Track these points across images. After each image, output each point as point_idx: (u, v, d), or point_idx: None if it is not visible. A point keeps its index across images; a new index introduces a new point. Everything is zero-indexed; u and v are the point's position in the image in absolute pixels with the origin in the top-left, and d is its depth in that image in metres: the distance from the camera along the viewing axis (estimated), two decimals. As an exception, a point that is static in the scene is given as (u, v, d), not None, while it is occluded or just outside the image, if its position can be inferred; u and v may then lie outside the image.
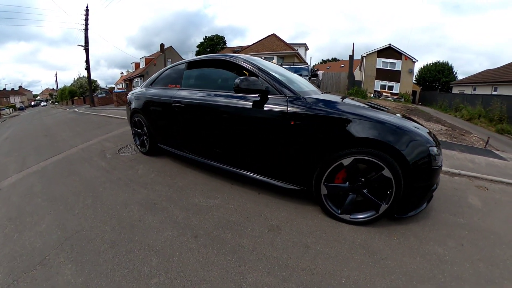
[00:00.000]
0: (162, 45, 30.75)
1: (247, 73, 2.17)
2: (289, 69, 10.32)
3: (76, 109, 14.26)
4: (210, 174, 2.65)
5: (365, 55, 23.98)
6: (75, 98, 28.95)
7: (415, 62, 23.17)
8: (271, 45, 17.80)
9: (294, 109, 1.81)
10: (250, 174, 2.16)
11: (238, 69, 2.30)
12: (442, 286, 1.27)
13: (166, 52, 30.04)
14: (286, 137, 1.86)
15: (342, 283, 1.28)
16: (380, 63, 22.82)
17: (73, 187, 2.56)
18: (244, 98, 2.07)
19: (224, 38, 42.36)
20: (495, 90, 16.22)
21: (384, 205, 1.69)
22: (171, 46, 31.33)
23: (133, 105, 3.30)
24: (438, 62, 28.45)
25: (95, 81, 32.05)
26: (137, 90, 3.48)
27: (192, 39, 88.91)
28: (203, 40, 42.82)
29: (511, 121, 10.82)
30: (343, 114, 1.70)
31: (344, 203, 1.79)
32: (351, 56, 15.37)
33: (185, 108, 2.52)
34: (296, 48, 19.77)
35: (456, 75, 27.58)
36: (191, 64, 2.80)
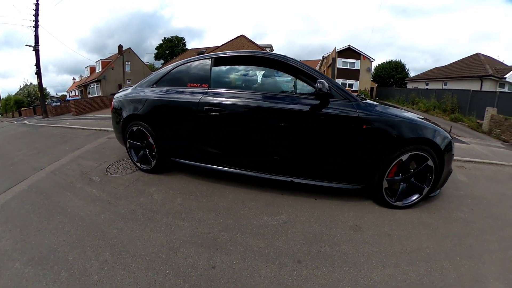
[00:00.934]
0: (120, 47, 27.91)
1: (302, 76, 2.16)
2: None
3: (26, 121, 11.93)
4: (250, 187, 2.39)
5: (326, 55, 25.40)
6: (23, 108, 24.63)
7: (372, 61, 25.33)
8: (241, 46, 17.53)
9: (365, 114, 1.94)
10: (307, 181, 2.15)
11: (288, 70, 2.23)
12: (476, 237, 1.86)
13: (124, 54, 27.56)
14: (356, 140, 1.97)
15: (427, 252, 1.65)
16: (341, 63, 24.41)
17: (67, 236, 1.71)
18: (300, 102, 2.04)
19: (184, 39, 40.73)
20: (445, 85, 18.46)
21: (426, 188, 2.12)
22: (129, 48, 28.77)
23: (127, 111, 2.69)
24: (392, 60, 31.41)
25: (45, 89, 28.01)
26: (130, 92, 2.82)
27: (147, 41, 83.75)
28: (162, 42, 40.42)
29: (462, 111, 12.39)
30: (400, 117, 1.99)
31: (397, 192, 2.11)
32: (334, 59, 16.05)
33: (228, 114, 2.17)
34: (266, 50, 19.89)
35: (408, 72, 30.81)
36: (220, 61, 2.39)
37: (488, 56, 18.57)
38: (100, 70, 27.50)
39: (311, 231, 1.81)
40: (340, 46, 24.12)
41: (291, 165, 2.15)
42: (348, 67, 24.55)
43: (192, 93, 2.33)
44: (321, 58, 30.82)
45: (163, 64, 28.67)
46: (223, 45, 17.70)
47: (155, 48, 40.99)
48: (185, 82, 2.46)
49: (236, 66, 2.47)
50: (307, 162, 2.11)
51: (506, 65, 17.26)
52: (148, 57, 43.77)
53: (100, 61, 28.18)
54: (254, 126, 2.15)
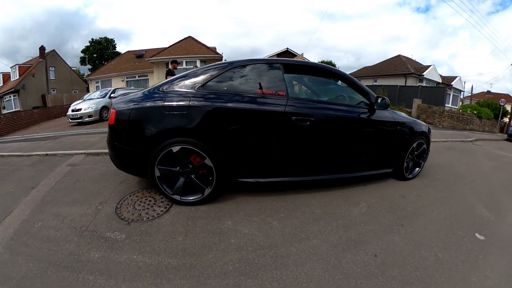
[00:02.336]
0: (42, 49, 22.10)
1: (354, 88, 2.61)
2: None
3: None
4: (319, 190, 2.58)
5: (267, 58, 26.62)
6: None
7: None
8: (191, 48, 16.47)
9: (396, 119, 2.71)
10: (366, 173, 2.73)
11: (348, 83, 2.60)
12: (453, 184, 3.20)
13: (47, 58, 22.24)
14: (395, 138, 2.76)
15: (435, 195, 2.79)
16: None
17: None
18: (361, 112, 2.50)
19: (114, 41, 35.90)
20: (375, 81, 21.66)
21: (423, 163, 3.26)
22: (54, 50, 23.25)
23: (159, 124, 2.00)
24: (324, 61, 35.17)
25: None
26: (149, 95, 2.14)
27: (68, 44, 69.46)
28: (89, 44, 34.60)
29: (393, 103, 14.80)
30: (411, 119, 3.00)
31: (408, 169, 3.06)
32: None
33: (315, 123, 2.21)
34: (214, 52, 19.20)
35: (339, 71, 34.96)
36: (291, 68, 2.36)
37: (407, 57, 22.79)
38: (18, 77, 21.27)
39: (384, 205, 2.40)
40: (271, 48, 25.58)
41: (355, 163, 2.64)
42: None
43: (272, 101, 2.12)
44: None
45: (94, 71, 24.37)
46: (170, 46, 16.28)
47: (82, 51, 34.83)
48: (247, 87, 2.21)
49: (308, 76, 2.68)
50: (366, 158, 2.68)
51: (422, 64, 21.56)
52: (70, 62, 36.97)
53: (17, 67, 21.70)
54: (335, 134, 2.40)
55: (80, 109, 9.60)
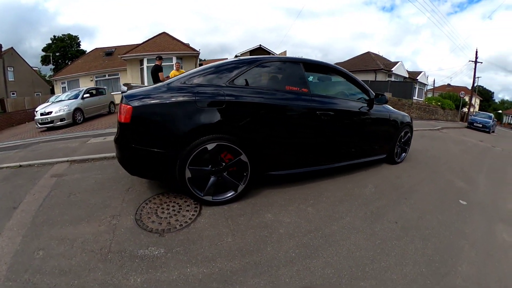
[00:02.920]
0: None
1: (356, 86, 2.91)
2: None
3: None
4: (333, 176, 2.85)
5: (239, 54, 26.86)
6: None
7: None
8: (167, 44, 15.89)
9: (389, 111, 3.25)
10: (367, 159, 3.14)
11: (352, 81, 2.89)
12: (431, 165, 3.96)
13: (5, 57, 19.69)
14: (389, 128, 3.25)
15: (422, 175, 3.37)
16: None
17: None
18: (360, 107, 2.81)
19: (78, 38, 33.24)
20: None
21: (408, 149, 3.82)
22: (12, 48, 20.62)
23: (189, 122, 1.87)
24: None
25: None
26: (173, 88, 1.97)
27: (26, 42, 61.00)
28: (51, 42, 31.48)
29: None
30: (400, 113, 3.52)
31: (397, 154, 3.57)
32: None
33: (334, 117, 2.47)
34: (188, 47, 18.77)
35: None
36: (309, 66, 2.53)
37: (376, 54, 24.42)
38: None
39: (386, 185, 2.85)
40: (240, 45, 25.83)
41: (361, 151, 3.02)
42: (260, 66, 26.57)
43: (299, 96, 2.29)
44: (233, 56, 31.63)
45: (58, 70, 22.26)
46: (144, 43, 15.56)
47: (43, 50, 31.62)
48: (274, 83, 2.33)
49: (321, 75, 2.85)
50: (368, 146, 3.10)
51: (390, 60, 23.19)
52: (30, 62, 33.32)
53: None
54: (348, 126, 2.74)
55: (50, 112, 8.65)
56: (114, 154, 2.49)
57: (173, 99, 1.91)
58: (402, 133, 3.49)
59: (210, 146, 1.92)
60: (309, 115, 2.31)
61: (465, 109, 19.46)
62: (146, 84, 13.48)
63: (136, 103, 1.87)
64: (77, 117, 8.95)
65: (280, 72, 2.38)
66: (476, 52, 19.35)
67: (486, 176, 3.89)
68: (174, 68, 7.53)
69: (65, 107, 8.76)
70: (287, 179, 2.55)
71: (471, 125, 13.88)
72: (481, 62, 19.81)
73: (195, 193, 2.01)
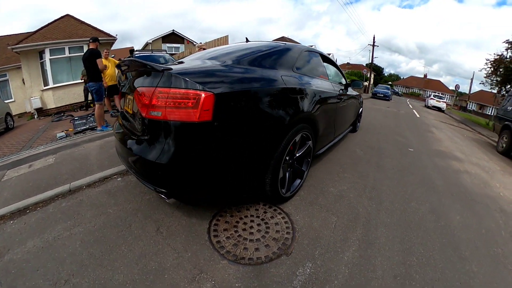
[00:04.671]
0: None
1: (338, 71, 3.45)
2: (147, 57, 9.63)
3: None
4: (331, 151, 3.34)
5: (150, 41, 25.25)
6: None
7: (195, 44, 27.75)
8: (74, 29, 13.10)
9: (356, 93, 4.05)
10: (346, 132, 3.75)
11: (336, 68, 3.39)
12: (386, 135, 4.88)
13: None
14: (356, 106, 4.15)
15: (375, 140, 4.73)
16: (166, 47, 24.83)
17: None
18: (348, 90, 3.40)
19: None
20: None
21: (360, 118, 4.99)
22: None
23: (292, 111, 1.72)
24: (201, 43, 35.98)
25: None
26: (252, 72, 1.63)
27: None
28: None
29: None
30: (357, 93, 4.36)
31: (356, 126, 4.66)
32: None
33: (345, 100, 3.12)
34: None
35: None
36: (324, 58, 2.91)
37: (290, 39, 26.98)
38: None
39: (366, 147, 3.77)
40: (145, 32, 24.47)
41: (348, 123, 3.76)
42: (173, 52, 24.83)
43: (330, 83, 2.72)
44: (144, 44, 28.76)
45: None
46: (43, 28, 12.34)
47: None
48: (314, 72, 2.44)
49: (326, 64, 2.96)
50: (351, 119, 3.90)
51: (301, 44, 26.10)
52: None
53: None
54: (347, 107, 3.34)
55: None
56: (74, 183, 2.19)
57: (270, 85, 1.59)
58: (361, 110, 4.78)
59: (297, 138, 1.83)
60: (336, 99, 2.72)
61: (366, 83, 24.73)
62: (50, 83, 10.89)
63: (218, 89, 1.31)
64: (9, 123, 7.05)
65: (312, 61, 2.54)
66: (374, 37, 24.58)
67: (411, 132, 5.69)
68: (102, 56, 6.67)
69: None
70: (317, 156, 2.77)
71: (375, 95, 17.99)
72: (378, 46, 25.26)
73: (282, 194, 1.82)
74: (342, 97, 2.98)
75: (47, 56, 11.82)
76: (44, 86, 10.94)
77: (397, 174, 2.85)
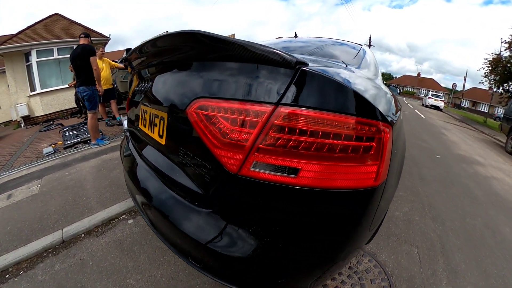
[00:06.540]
0: None
1: None
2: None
3: None
4: None
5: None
6: None
7: None
8: (63, 29, 12.65)
9: None
10: None
11: None
12: (407, 139, 5.25)
13: None
14: None
15: None
16: None
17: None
18: None
19: None
20: None
21: None
22: None
23: None
24: None
25: None
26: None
27: None
28: None
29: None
30: None
31: None
32: None
33: None
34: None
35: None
36: None
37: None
38: None
39: None
40: (137, 35, 24.20)
41: None
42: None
43: None
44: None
45: None
46: (30, 28, 11.85)
47: None
48: None
49: None
50: None
51: None
52: None
53: None
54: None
55: None
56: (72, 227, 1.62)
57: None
58: None
59: None
60: None
61: (365, 83, 25.31)
62: (38, 88, 10.31)
63: (390, 117, 0.77)
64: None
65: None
66: (370, 37, 24.99)
67: (427, 135, 5.77)
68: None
69: None
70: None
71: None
72: (374, 46, 25.64)
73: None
74: None
75: (33, 58, 11.28)
76: (31, 92, 10.30)
77: (441, 186, 2.85)
